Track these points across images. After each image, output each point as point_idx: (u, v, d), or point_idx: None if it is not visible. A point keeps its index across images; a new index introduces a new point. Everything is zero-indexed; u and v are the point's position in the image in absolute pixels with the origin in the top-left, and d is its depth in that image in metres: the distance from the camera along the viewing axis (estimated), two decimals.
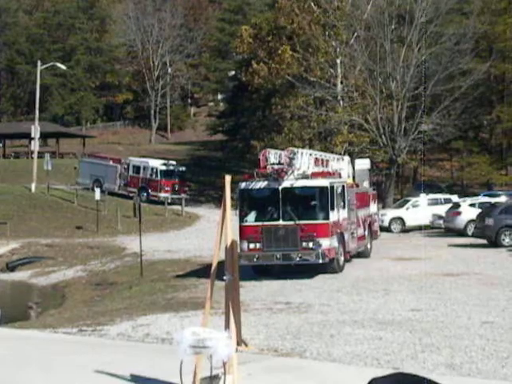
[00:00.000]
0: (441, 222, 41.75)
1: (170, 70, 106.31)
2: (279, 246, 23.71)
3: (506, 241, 32.70)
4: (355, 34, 55.20)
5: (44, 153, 63.74)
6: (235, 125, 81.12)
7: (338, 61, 56.03)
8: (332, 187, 24.60)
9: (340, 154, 56.53)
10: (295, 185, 24.07)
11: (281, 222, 23.86)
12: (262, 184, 24.21)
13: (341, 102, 56.05)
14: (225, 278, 9.54)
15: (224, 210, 9.34)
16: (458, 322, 14.93)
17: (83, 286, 29.65)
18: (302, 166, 24.13)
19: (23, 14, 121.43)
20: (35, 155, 61.08)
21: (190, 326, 10.32)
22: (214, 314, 14.61)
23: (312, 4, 57.04)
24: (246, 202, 24.76)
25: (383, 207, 52.32)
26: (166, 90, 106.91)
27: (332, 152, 55.18)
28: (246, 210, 24.61)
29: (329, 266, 24.30)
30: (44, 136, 78.43)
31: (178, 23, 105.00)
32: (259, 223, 24.03)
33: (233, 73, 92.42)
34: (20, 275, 35.30)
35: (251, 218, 24.42)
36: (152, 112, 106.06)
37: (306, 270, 24.19)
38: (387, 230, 44.65)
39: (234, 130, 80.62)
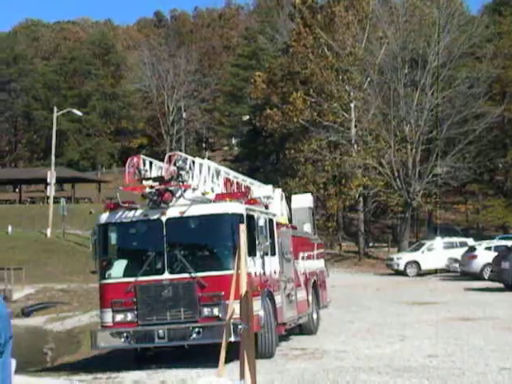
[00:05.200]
0: (457, 265, 41.50)
1: (184, 114, 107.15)
2: (164, 316, 14.83)
3: None
4: (368, 79, 55.63)
5: (60, 198, 64.11)
6: (249, 169, 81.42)
7: (352, 105, 56.40)
8: (251, 217, 15.39)
9: (355, 197, 56.85)
10: (189, 213, 15.09)
11: (166, 276, 14.92)
12: (134, 214, 15.45)
13: (355, 146, 56.30)
14: (240, 326, 9.49)
15: (239, 259, 9.36)
16: (475, 369, 14.75)
17: None
18: (201, 184, 15.82)
19: (40, 60, 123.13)
20: (51, 200, 61.41)
21: (205, 376, 10.28)
22: (229, 361, 14.52)
23: (325, 49, 57.61)
24: (110, 245, 16.11)
25: (398, 251, 52.20)
26: (180, 135, 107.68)
27: (347, 196, 55.33)
28: (110, 259, 15.90)
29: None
30: (60, 181, 78.98)
31: (192, 69, 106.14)
32: (131, 279, 15.03)
33: (247, 117, 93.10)
34: (35, 321, 35.24)
35: (118, 272, 15.48)
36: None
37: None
38: (403, 273, 44.52)
39: (249, 175, 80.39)
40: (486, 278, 36.93)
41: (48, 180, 62.59)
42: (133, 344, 14.98)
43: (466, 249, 41.80)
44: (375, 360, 16.10)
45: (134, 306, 14.93)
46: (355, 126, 56.62)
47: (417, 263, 44.96)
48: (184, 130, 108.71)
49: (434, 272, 43.69)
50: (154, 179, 15.18)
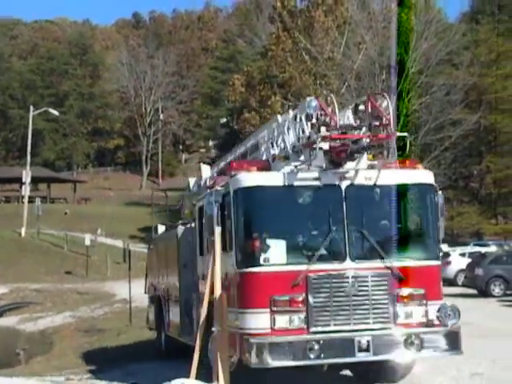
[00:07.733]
0: None
1: (161, 116, 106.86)
2: (347, 320, 10.76)
3: (496, 291, 32.63)
4: (346, 84, 55.71)
5: (35, 197, 63.72)
6: None
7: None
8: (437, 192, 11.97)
9: None
10: (380, 180, 11.49)
11: (349, 264, 10.96)
12: (296, 177, 11.15)
13: None
14: (213, 329, 9.45)
15: (213, 263, 9.32)
16: (447, 373, 14.83)
17: (71, 333, 29.43)
18: None
19: (17, 59, 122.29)
20: (26, 200, 61.02)
21: (178, 377, 10.27)
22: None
23: (304, 54, 57.70)
24: (259, 219, 11.11)
25: None
26: (157, 136, 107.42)
27: None
28: (262, 238, 10.81)
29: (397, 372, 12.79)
30: (35, 180, 78.50)
31: (170, 70, 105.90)
32: (300, 267, 10.69)
33: (224, 120, 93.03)
34: (8, 321, 35.06)
35: (277, 256, 10.79)
36: (143, 158, 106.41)
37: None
38: None
39: None
40: (460, 284, 37.16)
41: (23, 179, 62.20)
42: (312, 360, 10.33)
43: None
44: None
45: (304, 305, 10.55)
46: None
47: None
48: (161, 131, 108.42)
49: None
50: (358, 126, 11.58)
